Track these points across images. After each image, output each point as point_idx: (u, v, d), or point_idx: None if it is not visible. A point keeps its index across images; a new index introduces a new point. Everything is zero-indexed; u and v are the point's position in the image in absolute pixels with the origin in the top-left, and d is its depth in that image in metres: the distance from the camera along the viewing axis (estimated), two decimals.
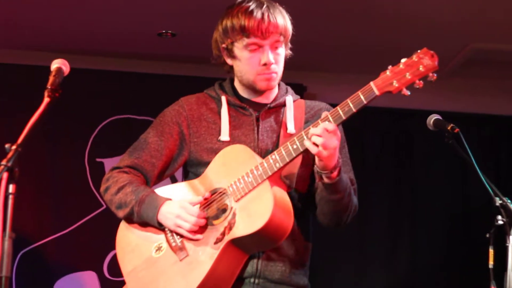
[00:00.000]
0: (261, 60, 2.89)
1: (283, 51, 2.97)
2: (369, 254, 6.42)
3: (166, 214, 2.83)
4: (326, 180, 2.74)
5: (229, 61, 3.00)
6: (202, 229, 2.82)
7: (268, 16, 2.87)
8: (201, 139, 2.98)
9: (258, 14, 2.87)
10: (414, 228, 6.52)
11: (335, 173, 2.73)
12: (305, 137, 2.70)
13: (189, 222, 2.79)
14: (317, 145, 2.65)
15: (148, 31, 5.81)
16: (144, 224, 2.92)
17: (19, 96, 5.91)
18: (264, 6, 2.90)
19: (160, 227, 2.87)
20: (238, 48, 2.93)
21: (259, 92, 3.00)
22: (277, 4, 2.97)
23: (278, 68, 2.95)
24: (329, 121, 2.68)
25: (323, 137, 2.64)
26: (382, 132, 6.58)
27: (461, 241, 6.47)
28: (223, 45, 2.97)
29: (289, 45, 3.02)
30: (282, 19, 2.92)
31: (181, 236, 2.84)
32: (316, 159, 2.70)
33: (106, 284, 5.99)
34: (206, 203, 2.85)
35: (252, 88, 2.98)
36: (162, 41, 5.96)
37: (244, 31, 2.88)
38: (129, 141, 3.15)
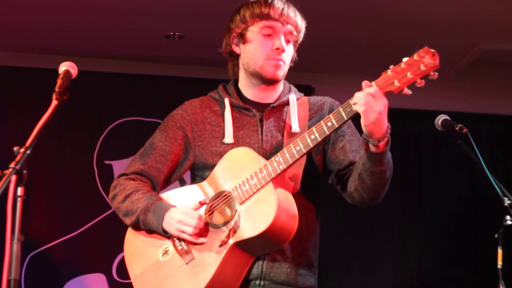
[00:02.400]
0: (274, 45, 2.93)
1: (292, 49, 3.01)
2: (378, 254, 6.41)
3: (169, 220, 2.83)
4: (373, 148, 2.68)
5: (237, 49, 3.03)
6: (207, 232, 2.82)
7: (288, 8, 2.97)
8: (206, 143, 2.98)
9: (279, 3, 2.96)
10: (423, 228, 6.51)
11: (383, 143, 2.68)
12: (317, 135, 2.69)
13: (190, 225, 2.78)
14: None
15: (155, 33, 5.82)
16: (151, 230, 2.93)
17: (27, 98, 5.93)
18: (284, 0, 2.99)
19: (165, 235, 2.87)
20: (253, 32, 2.97)
21: (265, 82, 2.99)
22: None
23: (287, 60, 2.98)
24: (331, 121, 2.67)
25: (366, 98, 2.59)
26: (391, 133, 6.55)
27: (470, 241, 6.46)
28: (235, 32, 3.01)
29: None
30: (300, 18, 3.00)
31: (186, 241, 2.84)
32: (362, 124, 2.63)
33: (115, 286, 5.99)
34: (211, 206, 2.85)
35: (257, 76, 2.98)
36: (169, 43, 5.97)
37: (263, 15, 2.94)
38: (138, 143, 3.16)
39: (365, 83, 2.64)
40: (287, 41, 2.96)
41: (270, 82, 3.00)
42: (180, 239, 2.85)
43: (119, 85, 6.30)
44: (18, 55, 6.18)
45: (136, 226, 2.96)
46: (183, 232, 2.80)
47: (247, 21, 2.97)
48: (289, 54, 2.99)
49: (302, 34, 3.04)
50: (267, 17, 2.93)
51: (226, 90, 3.09)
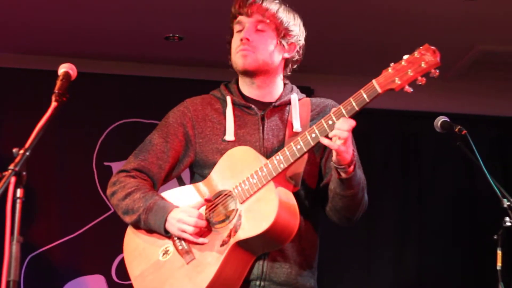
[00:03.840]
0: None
1: (268, 33, 2.97)
2: (377, 254, 6.41)
3: (171, 220, 2.83)
4: (343, 175, 2.71)
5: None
6: (208, 232, 2.82)
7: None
8: (206, 140, 2.98)
9: None
10: (422, 229, 6.50)
11: (351, 168, 2.70)
12: (318, 134, 2.68)
13: (190, 224, 2.78)
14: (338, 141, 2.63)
15: (155, 35, 5.82)
16: (151, 230, 2.92)
17: (26, 100, 5.92)
18: None
19: (167, 235, 2.87)
20: (233, 34, 3.02)
21: (245, 75, 2.99)
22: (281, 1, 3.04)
23: (256, 48, 2.94)
24: (332, 120, 2.66)
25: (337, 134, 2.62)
26: (390, 134, 6.57)
27: (469, 243, 6.45)
28: (229, 42, 3.05)
29: (288, 39, 3.01)
30: (274, 6, 2.98)
31: (187, 240, 2.83)
32: (334, 154, 2.67)
33: None
34: (212, 206, 2.85)
35: (238, 72, 3.01)
36: (169, 44, 5.97)
37: (234, 15, 3.00)
38: (137, 144, 3.16)
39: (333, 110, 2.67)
40: (260, 31, 2.95)
41: (246, 73, 2.99)
42: (180, 239, 2.84)
43: (119, 87, 6.29)
44: (17, 56, 6.17)
45: (136, 225, 2.95)
46: (184, 231, 2.80)
47: (231, 28, 3.03)
48: (259, 41, 2.95)
49: (281, 21, 2.98)
50: (237, 14, 2.98)
51: (228, 88, 3.09)
